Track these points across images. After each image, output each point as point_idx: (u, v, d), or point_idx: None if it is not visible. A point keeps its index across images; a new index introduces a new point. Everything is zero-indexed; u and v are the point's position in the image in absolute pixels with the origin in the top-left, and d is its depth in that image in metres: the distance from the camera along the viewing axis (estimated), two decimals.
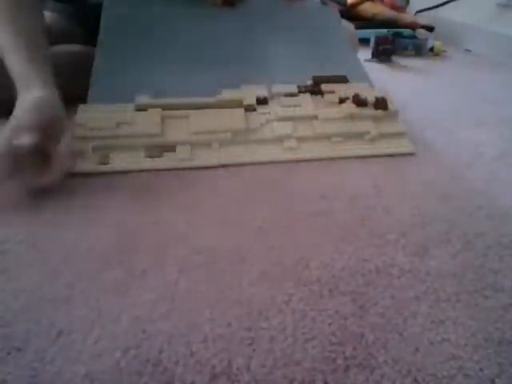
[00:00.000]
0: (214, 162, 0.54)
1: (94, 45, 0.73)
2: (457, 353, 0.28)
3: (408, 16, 1.40)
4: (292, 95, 0.62)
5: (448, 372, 0.26)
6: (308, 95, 0.63)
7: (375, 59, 1.13)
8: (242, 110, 0.59)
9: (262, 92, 0.62)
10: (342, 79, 0.66)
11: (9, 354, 0.28)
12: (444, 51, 1.23)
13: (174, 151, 0.54)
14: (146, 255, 0.37)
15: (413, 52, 1.22)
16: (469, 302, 0.32)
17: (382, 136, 0.59)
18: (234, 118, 0.57)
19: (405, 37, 1.23)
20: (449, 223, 0.42)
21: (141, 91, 0.59)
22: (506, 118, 0.72)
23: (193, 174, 0.51)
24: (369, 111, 0.60)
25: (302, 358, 0.27)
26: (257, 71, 0.67)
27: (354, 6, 1.37)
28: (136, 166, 0.52)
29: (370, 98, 0.61)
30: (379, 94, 0.62)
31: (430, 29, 1.33)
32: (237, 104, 0.59)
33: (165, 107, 0.58)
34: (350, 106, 0.60)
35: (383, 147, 0.58)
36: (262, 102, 0.61)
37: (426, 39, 1.23)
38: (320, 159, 0.55)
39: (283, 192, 0.47)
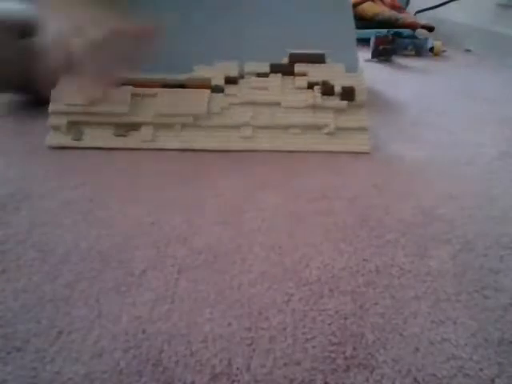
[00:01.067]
0: (173, 145, 0.57)
1: None
2: (457, 353, 0.28)
3: (408, 16, 1.40)
4: (263, 75, 0.60)
5: (448, 372, 0.26)
6: (279, 76, 0.60)
7: (375, 59, 1.13)
8: (208, 91, 0.58)
9: (233, 71, 0.60)
10: (319, 59, 0.61)
11: (9, 354, 0.28)
12: (444, 51, 1.23)
13: (139, 130, 0.57)
14: (145, 255, 0.37)
15: (413, 52, 1.22)
16: (469, 302, 0.32)
17: (340, 130, 0.57)
18: (198, 101, 0.58)
19: (405, 37, 1.23)
20: (449, 223, 0.42)
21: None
22: (506, 118, 0.72)
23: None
24: (332, 102, 0.57)
25: (302, 358, 0.27)
26: (237, 43, 0.63)
27: (354, 5, 1.37)
28: (104, 144, 0.57)
29: (338, 86, 0.58)
30: (349, 82, 0.58)
31: (430, 29, 1.33)
32: (205, 84, 0.59)
33: (136, 83, 0.59)
34: (314, 95, 0.58)
35: (338, 143, 0.56)
36: (231, 81, 0.59)
37: (426, 39, 1.23)
38: (274, 151, 0.55)
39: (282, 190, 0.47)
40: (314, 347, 0.28)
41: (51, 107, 0.58)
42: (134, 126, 0.58)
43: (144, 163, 0.54)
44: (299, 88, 0.59)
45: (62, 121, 0.57)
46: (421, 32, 1.29)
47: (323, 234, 0.40)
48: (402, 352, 0.28)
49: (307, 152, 0.56)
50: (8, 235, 0.40)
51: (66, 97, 0.57)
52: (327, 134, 0.56)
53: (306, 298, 0.32)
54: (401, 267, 0.35)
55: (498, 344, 0.28)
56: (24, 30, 0.70)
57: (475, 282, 0.34)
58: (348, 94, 0.57)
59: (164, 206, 0.45)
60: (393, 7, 1.43)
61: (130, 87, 0.58)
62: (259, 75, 0.60)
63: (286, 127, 0.57)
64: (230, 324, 0.30)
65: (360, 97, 0.58)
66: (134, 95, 0.58)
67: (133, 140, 0.57)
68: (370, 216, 0.43)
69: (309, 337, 0.29)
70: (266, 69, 0.61)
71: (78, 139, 0.57)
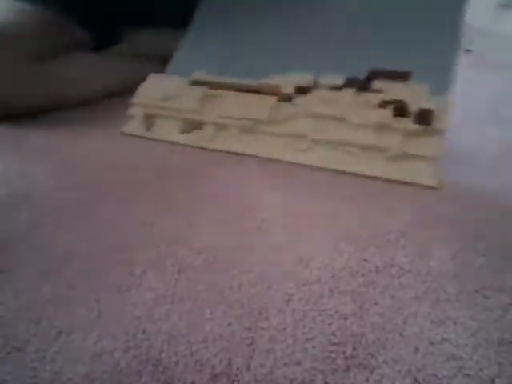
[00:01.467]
0: (230, 147, 0.58)
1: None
2: (457, 353, 0.28)
3: None
4: (337, 88, 0.56)
5: (448, 372, 0.26)
6: (352, 91, 0.54)
7: None
8: (274, 98, 0.58)
9: (306, 81, 0.57)
10: (403, 75, 0.54)
11: (9, 354, 0.28)
12: None
13: (202, 129, 0.61)
14: (145, 255, 0.37)
15: None
16: (469, 302, 0.32)
17: (406, 157, 0.49)
18: (261, 107, 0.57)
19: None
20: (449, 223, 0.42)
21: (209, 67, 0.65)
22: (507, 118, 0.72)
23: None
24: (404, 123, 0.50)
25: (302, 358, 0.27)
26: (317, 53, 0.62)
27: None
28: (170, 138, 0.62)
29: (414, 107, 0.50)
30: (427, 105, 0.49)
31: None
32: (274, 91, 0.58)
33: (212, 85, 0.62)
34: (385, 114, 0.51)
35: (400, 171, 0.49)
36: (301, 91, 0.57)
37: None
38: (325, 168, 0.52)
39: (284, 192, 0.47)
40: (313, 347, 0.28)
41: (134, 99, 0.65)
42: (199, 124, 0.61)
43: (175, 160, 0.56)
44: (371, 105, 0.53)
45: (139, 111, 0.64)
46: None
47: (323, 234, 0.40)
48: (402, 352, 0.28)
49: (359, 175, 0.51)
50: (8, 235, 0.40)
51: (148, 91, 0.64)
52: (388, 158, 0.50)
53: (305, 298, 0.32)
54: (401, 267, 0.35)
55: (498, 344, 0.28)
56: None
57: (475, 282, 0.34)
58: (424, 117, 0.49)
59: (164, 205, 0.45)
60: None
61: (204, 88, 0.61)
62: (332, 88, 0.56)
63: (345, 144, 0.52)
64: (230, 324, 0.30)
65: (439, 122, 0.49)
66: (205, 95, 0.61)
67: (194, 138, 0.61)
68: (370, 216, 0.43)
69: (309, 337, 0.29)
70: (339, 82, 0.56)
71: (149, 129, 0.63)
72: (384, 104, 0.52)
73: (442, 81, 0.53)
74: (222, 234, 0.40)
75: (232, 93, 0.60)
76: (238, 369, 0.27)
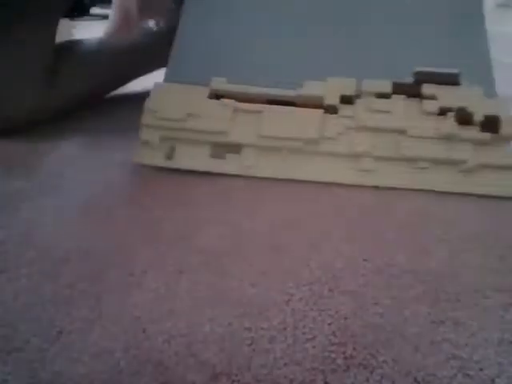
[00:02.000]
0: (279, 174, 0.49)
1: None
2: (457, 353, 0.28)
3: None
4: (384, 96, 0.50)
5: (448, 372, 0.26)
6: (402, 98, 0.50)
7: None
8: (321, 112, 0.50)
9: (349, 89, 0.51)
10: (452, 79, 0.50)
11: (9, 354, 0.28)
12: None
13: (239, 153, 0.50)
14: (145, 255, 0.37)
15: None
16: (469, 302, 0.32)
17: (484, 167, 0.46)
18: (309, 123, 0.49)
19: None
20: (449, 223, 0.42)
21: (224, 70, 0.54)
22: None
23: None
24: (472, 132, 0.46)
25: (302, 358, 0.27)
26: (352, 57, 0.55)
27: None
28: (199, 166, 0.50)
29: (479, 114, 0.47)
30: (491, 110, 0.47)
31: None
32: (317, 102, 0.50)
33: (239, 97, 0.52)
34: (449, 123, 0.46)
35: (481, 183, 0.46)
36: (346, 100, 0.50)
37: None
38: (396, 188, 0.46)
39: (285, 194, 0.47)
40: (314, 347, 0.28)
41: (144, 119, 0.51)
42: (234, 148, 0.50)
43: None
44: (428, 113, 0.48)
45: (154, 136, 0.50)
46: None
47: (323, 234, 0.40)
48: (402, 352, 0.28)
49: (436, 192, 0.46)
50: (8, 235, 0.40)
51: (160, 108, 0.51)
52: (463, 171, 0.46)
53: (305, 298, 0.32)
54: (401, 267, 0.35)
55: (498, 344, 0.28)
56: None
57: (475, 282, 0.34)
58: (491, 124, 0.46)
59: (164, 205, 0.45)
60: None
61: (232, 101, 0.51)
62: (379, 96, 0.50)
63: (413, 160, 0.47)
64: (230, 324, 0.30)
65: (507, 129, 0.46)
66: (235, 111, 0.51)
67: (232, 164, 0.50)
68: (370, 216, 0.43)
69: (309, 337, 0.29)
70: (387, 88, 0.50)
71: (170, 158, 0.50)
72: (443, 112, 0.48)
73: (486, 83, 0.51)
74: (222, 234, 0.40)
75: (267, 107, 0.51)
76: (238, 369, 0.27)
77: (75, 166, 0.53)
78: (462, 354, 0.28)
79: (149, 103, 0.52)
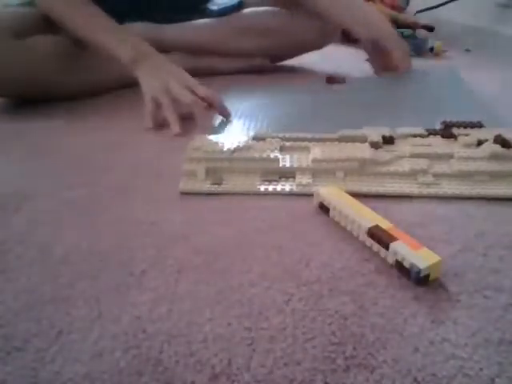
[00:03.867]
0: (349, 188, 0.47)
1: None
2: (457, 353, 0.28)
3: (408, 16, 1.40)
4: (420, 136, 0.56)
5: (448, 372, 0.26)
6: (439, 138, 0.56)
7: None
8: (367, 144, 0.53)
9: (387, 132, 0.55)
10: (477, 124, 0.59)
11: (9, 354, 0.28)
12: (444, 51, 1.23)
13: (293, 178, 0.49)
14: (145, 255, 0.37)
15: (413, 52, 1.21)
16: (469, 302, 0.32)
17: None
18: (360, 150, 0.51)
19: (405, 37, 1.22)
20: (449, 223, 0.42)
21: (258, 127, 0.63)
22: (506, 119, 0.72)
23: None
24: None
25: (302, 358, 0.27)
26: (378, 115, 0.64)
27: None
28: (251, 189, 0.48)
29: None
30: None
31: (430, 29, 1.33)
32: (360, 140, 0.54)
33: (283, 139, 0.55)
34: (492, 146, 0.51)
35: None
36: (387, 141, 0.54)
37: (426, 39, 1.23)
38: (459, 197, 0.46)
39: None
40: (314, 347, 0.28)
41: (189, 154, 0.51)
42: (286, 173, 0.50)
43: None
44: (468, 145, 0.54)
45: (200, 167, 0.50)
46: (421, 32, 1.28)
47: (323, 234, 0.40)
48: (402, 352, 0.28)
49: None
50: (8, 235, 0.40)
51: (206, 146, 0.52)
52: None
53: (305, 298, 0.32)
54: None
55: (498, 344, 0.28)
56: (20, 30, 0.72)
57: (475, 281, 0.34)
58: None
59: (164, 205, 0.45)
60: (393, 7, 1.43)
61: (277, 139, 0.55)
62: (416, 136, 0.56)
63: (470, 174, 0.49)
64: (229, 324, 0.30)
65: None
66: (283, 147, 0.54)
67: (287, 185, 0.48)
68: None
69: (309, 337, 0.29)
70: (421, 131, 0.57)
71: (218, 183, 0.49)
72: (480, 143, 0.53)
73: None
74: (222, 234, 0.40)
75: (314, 143, 0.54)
76: (238, 369, 0.27)
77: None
78: (462, 354, 0.28)
79: (194, 143, 0.53)
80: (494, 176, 0.49)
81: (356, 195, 0.44)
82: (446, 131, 0.57)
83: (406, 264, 0.34)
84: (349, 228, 0.40)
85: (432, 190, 0.47)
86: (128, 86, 0.78)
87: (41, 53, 0.74)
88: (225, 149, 0.51)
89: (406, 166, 0.50)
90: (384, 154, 0.52)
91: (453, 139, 0.56)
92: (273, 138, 0.55)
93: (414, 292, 0.33)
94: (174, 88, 0.65)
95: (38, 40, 0.74)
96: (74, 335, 0.29)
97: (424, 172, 0.49)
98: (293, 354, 0.28)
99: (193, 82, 0.67)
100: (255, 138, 0.56)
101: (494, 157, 0.51)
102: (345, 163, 0.49)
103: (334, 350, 0.28)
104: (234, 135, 0.59)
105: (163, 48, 0.84)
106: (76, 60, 0.78)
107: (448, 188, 0.48)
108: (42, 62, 0.74)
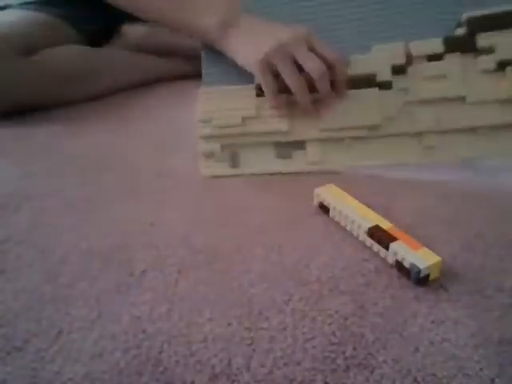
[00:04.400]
0: (346, 164, 0.49)
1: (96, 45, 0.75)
2: (457, 353, 0.28)
3: None
4: (437, 57, 0.48)
5: (448, 372, 0.26)
6: (457, 57, 0.47)
7: None
8: (376, 91, 0.49)
9: (399, 57, 0.48)
10: (510, 19, 0.46)
11: (9, 354, 0.28)
12: None
13: (304, 149, 0.50)
14: (145, 255, 0.37)
15: None
16: (469, 302, 0.32)
17: None
18: (368, 108, 0.48)
19: None
20: (449, 223, 0.42)
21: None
22: None
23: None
24: None
25: (302, 358, 0.27)
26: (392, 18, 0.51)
27: None
28: (267, 169, 0.50)
29: None
30: None
31: None
32: (369, 81, 0.49)
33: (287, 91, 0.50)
34: (507, 85, 0.45)
35: None
36: (398, 71, 0.48)
37: None
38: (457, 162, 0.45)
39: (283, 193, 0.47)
40: (313, 347, 0.28)
41: (200, 132, 0.50)
42: (298, 145, 0.50)
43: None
44: (485, 71, 0.46)
45: (215, 146, 0.50)
46: None
47: (323, 234, 0.40)
48: (402, 352, 0.28)
49: (437, 191, 0.45)
50: (8, 235, 0.40)
51: (214, 117, 0.50)
52: None
53: (305, 298, 0.32)
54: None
55: (498, 344, 0.28)
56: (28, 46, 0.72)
57: (475, 281, 0.34)
58: None
59: (164, 205, 0.45)
60: None
61: (285, 95, 0.49)
62: (431, 58, 0.48)
63: (473, 129, 0.46)
64: (229, 324, 0.30)
65: None
66: (290, 104, 0.50)
67: (298, 162, 0.50)
68: None
69: (309, 337, 0.29)
70: (438, 48, 0.48)
71: (236, 166, 0.50)
72: (502, 66, 0.45)
73: None
74: (222, 234, 0.40)
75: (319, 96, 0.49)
76: (237, 369, 0.27)
77: None
78: (461, 354, 0.28)
79: (200, 114, 0.51)
80: (498, 130, 0.45)
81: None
82: (468, 42, 0.46)
83: (406, 264, 0.34)
84: (349, 228, 0.40)
85: (432, 157, 0.46)
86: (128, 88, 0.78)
87: (44, 72, 0.74)
88: (234, 120, 0.49)
89: (413, 122, 0.47)
90: (393, 99, 0.48)
91: (473, 55, 0.47)
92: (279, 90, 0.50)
93: (414, 292, 0.33)
94: (291, 46, 0.46)
95: (44, 56, 0.74)
96: (73, 335, 0.29)
97: (429, 131, 0.47)
98: (293, 354, 0.28)
99: (316, 38, 0.47)
100: (258, 93, 0.51)
101: (505, 101, 0.44)
102: (353, 131, 0.48)
103: (334, 349, 0.28)
104: (236, 90, 0.51)
105: (164, 51, 0.85)
106: (80, 73, 0.78)
107: (449, 151, 0.46)
108: (45, 82, 0.74)
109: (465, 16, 0.47)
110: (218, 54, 0.53)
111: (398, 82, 0.48)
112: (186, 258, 0.37)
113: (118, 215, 0.43)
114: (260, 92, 0.50)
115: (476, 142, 0.46)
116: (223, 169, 0.50)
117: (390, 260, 0.35)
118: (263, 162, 0.50)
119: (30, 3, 0.82)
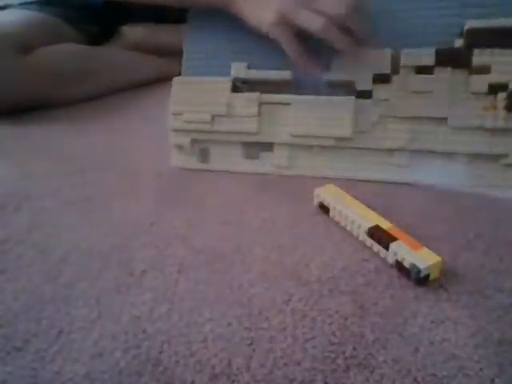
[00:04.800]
0: (313, 172, 0.49)
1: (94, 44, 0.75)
2: (457, 353, 0.28)
3: None
4: (426, 70, 0.44)
5: (448, 372, 0.26)
6: (448, 72, 0.43)
7: None
8: (353, 102, 0.46)
9: (384, 64, 0.45)
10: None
11: (9, 354, 0.28)
12: None
13: (272, 151, 0.50)
14: (145, 255, 0.37)
15: None
16: (469, 302, 0.32)
17: None
18: (340, 118, 0.46)
19: None
20: (449, 223, 0.42)
21: (241, 55, 0.50)
22: None
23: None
24: None
25: (302, 358, 0.27)
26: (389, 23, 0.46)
27: None
28: (234, 168, 0.51)
29: None
30: None
31: None
32: (348, 88, 0.46)
33: (263, 88, 0.49)
34: (496, 115, 0.41)
35: None
36: (381, 80, 0.45)
37: None
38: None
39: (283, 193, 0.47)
40: (314, 347, 0.28)
41: (171, 123, 0.51)
42: (266, 146, 0.50)
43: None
44: (476, 93, 0.42)
45: (185, 140, 0.51)
46: None
47: (323, 234, 0.40)
48: (402, 352, 0.28)
49: (435, 192, 0.44)
50: (8, 235, 0.40)
51: (185, 110, 0.50)
52: (506, 165, 0.42)
53: (305, 298, 0.32)
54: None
55: (498, 344, 0.28)
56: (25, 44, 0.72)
57: (475, 281, 0.34)
58: None
59: (164, 205, 0.45)
60: None
61: (257, 94, 0.48)
62: (420, 70, 0.44)
63: (450, 154, 0.44)
64: (229, 324, 0.30)
65: None
66: (262, 104, 0.49)
67: (265, 164, 0.50)
68: None
69: (309, 337, 0.29)
70: (429, 60, 0.43)
71: (204, 161, 0.51)
72: (494, 90, 0.41)
73: None
74: (222, 234, 0.40)
75: (295, 98, 0.48)
76: (237, 369, 0.27)
77: None
78: (461, 354, 0.28)
79: (172, 106, 0.51)
80: (476, 158, 0.42)
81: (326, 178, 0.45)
82: (463, 56, 0.42)
83: (406, 264, 0.34)
84: (349, 228, 0.40)
85: (403, 176, 0.45)
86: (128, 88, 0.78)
87: (39, 71, 0.74)
88: (204, 117, 0.49)
89: (385, 139, 0.45)
90: (369, 112, 0.45)
91: (467, 71, 0.42)
92: (251, 84, 0.49)
93: (414, 292, 0.33)
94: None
95: (39, 55, 0.74)
96: (73, 335, 0.29)
97: (402, 150, 0.45)
98: (293, 354, 0.28)
99: None
100: (234, 89, 0.49)
101: (491, 131, 0.41)
102: (321, 139, 0.47)
103: (334, 349, 0.28)
104: (211, 83, 0.50)
105: (164, 51, 0.84)
106: (80, 72, 0.78)
107: (421, 172, 0.44)
108: (41, 80, 0.74)
109: (467, 25, 0.42)
110: (200, 46, 0.52)
111: (379, 91, 0.45)
112: (186, 258, 0.37)
113: (118, 215, 0.43)
114: (236, 87, 0.50)
115: (453, 168, 0.44)
116: (192, 162, 0.51)
117: (390, 260, 0.35)
118: (231, 160, 0.51)
119: (30, 3, 0.82)
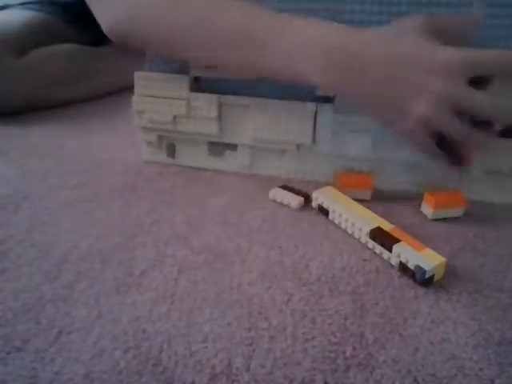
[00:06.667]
0: (275, 172, 0.50)
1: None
2: (457, 353, 0.28)
3: None
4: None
5: (448, 372, 0.26)
6: None
7: None
8: (314, 107, 0.45)
9: None
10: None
11: (9, 354, 0.28)
12: None
13: (236, 150, 0.51)
14: (145, 255, 0.37)
15: None
16: (469, 302, 0.32)
17: None
18: (302, 125, 0.46)
19: None
20: (449, 223, 0.42)
21: None
22: None
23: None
24: None
25: (302, 358, 0.27)
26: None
27: None
28: (199, 164, 0.53)
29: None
30: None
31: None
32: (311, 93, 0.46)
33: (219, 89, 0.48)
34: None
35: None
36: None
37: None
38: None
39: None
40: (314, 347, 0.28)
41: (137, 121, 0.52)
42: (230, 146, 0.51)
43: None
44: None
45: (152, 136, 0.53)
46: None
47: (323, 234, 0.40)
48: (402, 352, 0.28)
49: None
50: (8, 235, 0.40)
51: (147, 109, 0.51)
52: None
53: (306, 298, 0.32)
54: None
55: (498, 344, 0.28)
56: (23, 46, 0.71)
57: (475, 281, 0.34)
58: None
59: (164, 205, 0.45)
60: None
61: (217, 96, 0.48)
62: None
63: (415, 163, 0.45)
64: (229, 324, 0.30)
65: None
66: (222, 105, 0.49)
67: (230, 162, 0.52)
68: None
69: (309, 337, 0.29)
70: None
71: (171, 156, 0.53)
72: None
73: None
74: (222, 234, 0.40)
75: (254, 102, 0.47)
76: (237, 369, 0.27)
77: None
78: (461, 354, 0.28)
79: (135, 104, 0.51)
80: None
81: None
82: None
83: (411, 266, 0.33)
84: (350, 231, 0.40)
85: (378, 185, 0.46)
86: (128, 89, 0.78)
87: (41, 71, 0.74)
88: (165, 118, 0.49)
89: (342, 145, 0.46)
90: (332, 117, 0.45)
91: None
92: (209, 86, 0.48)
93: (414, 292, 0.33)
94: (449, 95, 0.33)
95: (39, 55, 0.74)
96: (74, 335, 0.29)
97: (364, 159, 0.45)
98: (293, 354, 0.28)
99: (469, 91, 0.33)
100: (192, 88, 0.49)
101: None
102: (283, 145, 0.48)
103: (334, 349, 0.28)
104: (172, 81, 0.49)
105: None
106: (79, 72, 0.79)
107: (391, 181, 0.45)
108: (42, 80, 0.74)
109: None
110: None
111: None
112: (186, 258, 0.37)
113: (118, 215, 0.43)
114: (194, 88, 0.49)
115: (416, 174, 0.44)
116: (162, 157, 0.54)
117: (394, 262, 0.35)
118: (197, 156, 0.53)
119: (29, 3, 0.82)
